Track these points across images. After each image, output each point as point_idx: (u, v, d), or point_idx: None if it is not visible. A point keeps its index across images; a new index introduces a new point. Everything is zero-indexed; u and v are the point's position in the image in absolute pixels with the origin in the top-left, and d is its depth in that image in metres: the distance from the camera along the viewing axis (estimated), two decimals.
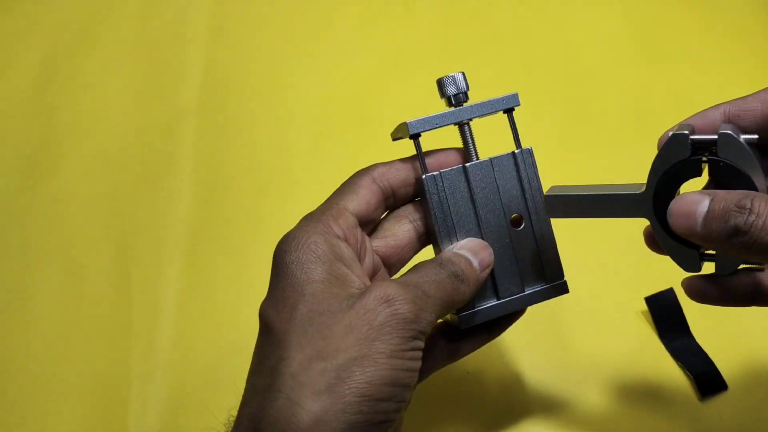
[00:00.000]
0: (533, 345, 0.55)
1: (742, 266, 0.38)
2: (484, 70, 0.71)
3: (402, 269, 0.43)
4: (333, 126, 0.69)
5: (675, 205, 0.35)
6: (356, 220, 0.40)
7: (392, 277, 0.42)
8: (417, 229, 0.42)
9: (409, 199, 0.43)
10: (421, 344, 0.35)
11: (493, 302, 0.42)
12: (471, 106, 0.41)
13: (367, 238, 0.41)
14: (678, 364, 0.53)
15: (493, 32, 0.73)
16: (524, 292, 0.43)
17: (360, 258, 0.40)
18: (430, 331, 0.36)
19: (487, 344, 0.44)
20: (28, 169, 0.69)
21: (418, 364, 0.35)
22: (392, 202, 0.42)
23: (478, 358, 0.53)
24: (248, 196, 0.65)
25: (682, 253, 0.38)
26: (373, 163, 0.42)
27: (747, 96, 0.37)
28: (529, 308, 0.44)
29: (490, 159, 0.42)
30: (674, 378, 0.53)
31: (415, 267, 0.39)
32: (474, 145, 0.42)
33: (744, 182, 0.35)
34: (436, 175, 0.41)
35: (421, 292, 0.36)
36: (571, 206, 0.40)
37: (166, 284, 0.61)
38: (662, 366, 0.53)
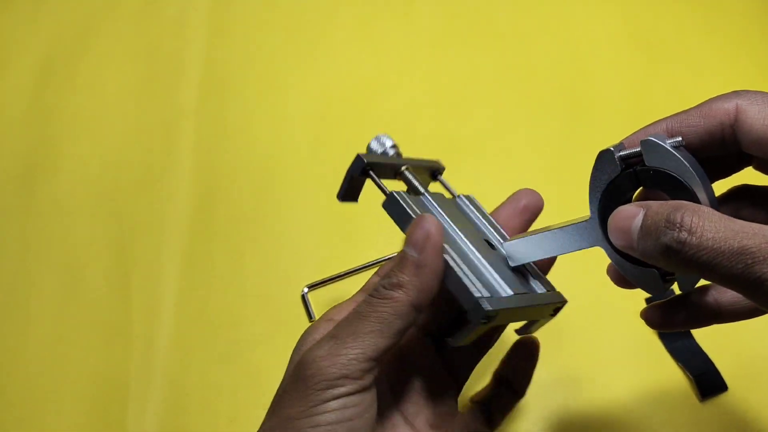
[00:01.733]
0: None
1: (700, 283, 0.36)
2: (485, 70, 0.71)
3: None
4: (332, 126, 0.69)
5: (612, 221, 0.33)
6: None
7: None
8: None
9: None
10: (343, 390, 0.33)
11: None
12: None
13: None
14: (678, 364, 0.53)
15: (493, 32, 0.73)
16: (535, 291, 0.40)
17: None
18: (369, 364, 0.33)
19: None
20: (27, 170, 0.69)
21: (349, 411, 0.33)
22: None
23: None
24: (247, 196, 0.65)
25: (642, 276, 0.35)
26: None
27: (689, 109, 0.35)
28: None
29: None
30: (674, 378, 0.53)
31: None
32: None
33: (676, 185, 0.33)
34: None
35: (334, 340, 0.34)
36: (530, 248, 0.39)
37: (165, 284, 0.61)
38: (662, 366, 0.53)
